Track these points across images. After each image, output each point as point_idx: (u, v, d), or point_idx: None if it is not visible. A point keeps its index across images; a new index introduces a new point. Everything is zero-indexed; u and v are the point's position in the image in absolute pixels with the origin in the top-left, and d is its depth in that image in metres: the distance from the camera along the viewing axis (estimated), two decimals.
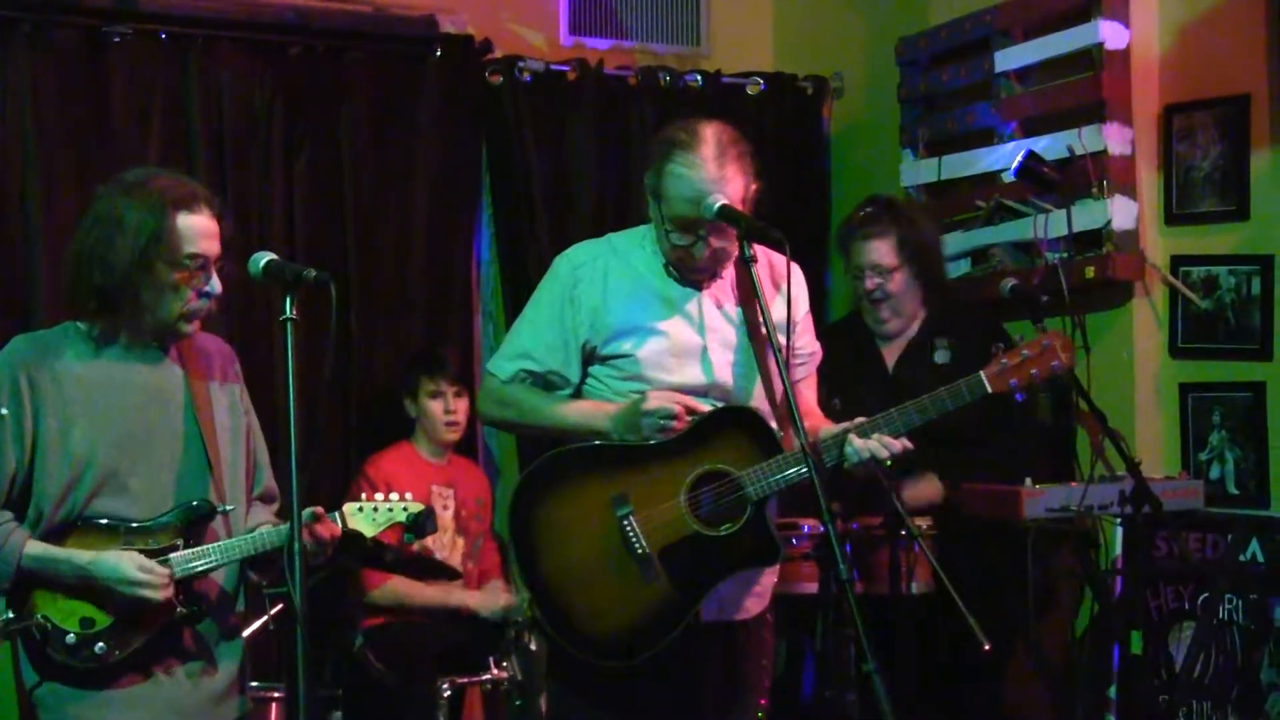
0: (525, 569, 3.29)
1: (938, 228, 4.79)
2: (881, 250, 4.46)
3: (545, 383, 3.34)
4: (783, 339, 3.29)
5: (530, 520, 3.27)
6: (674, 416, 3.18)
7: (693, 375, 3.29)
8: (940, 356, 4.48)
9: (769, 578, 3.43)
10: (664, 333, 3.29)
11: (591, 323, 3.29)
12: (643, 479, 3.23)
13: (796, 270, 3.33)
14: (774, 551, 3.27)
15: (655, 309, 3.30)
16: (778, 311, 3.33)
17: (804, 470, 3.13)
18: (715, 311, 3.33)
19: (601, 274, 3.32)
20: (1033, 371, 3.30)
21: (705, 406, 3.23)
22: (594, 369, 3.33)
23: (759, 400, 3.34)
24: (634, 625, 3.21)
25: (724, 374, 3.31)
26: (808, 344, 3.48)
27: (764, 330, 3.22)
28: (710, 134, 3.24)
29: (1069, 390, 4.72)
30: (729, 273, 3.36)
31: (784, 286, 3.36)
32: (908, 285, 4.47)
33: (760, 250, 3.35)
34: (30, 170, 4.84)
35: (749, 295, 3.31)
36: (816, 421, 3.38)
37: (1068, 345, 3.33)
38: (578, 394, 3.35)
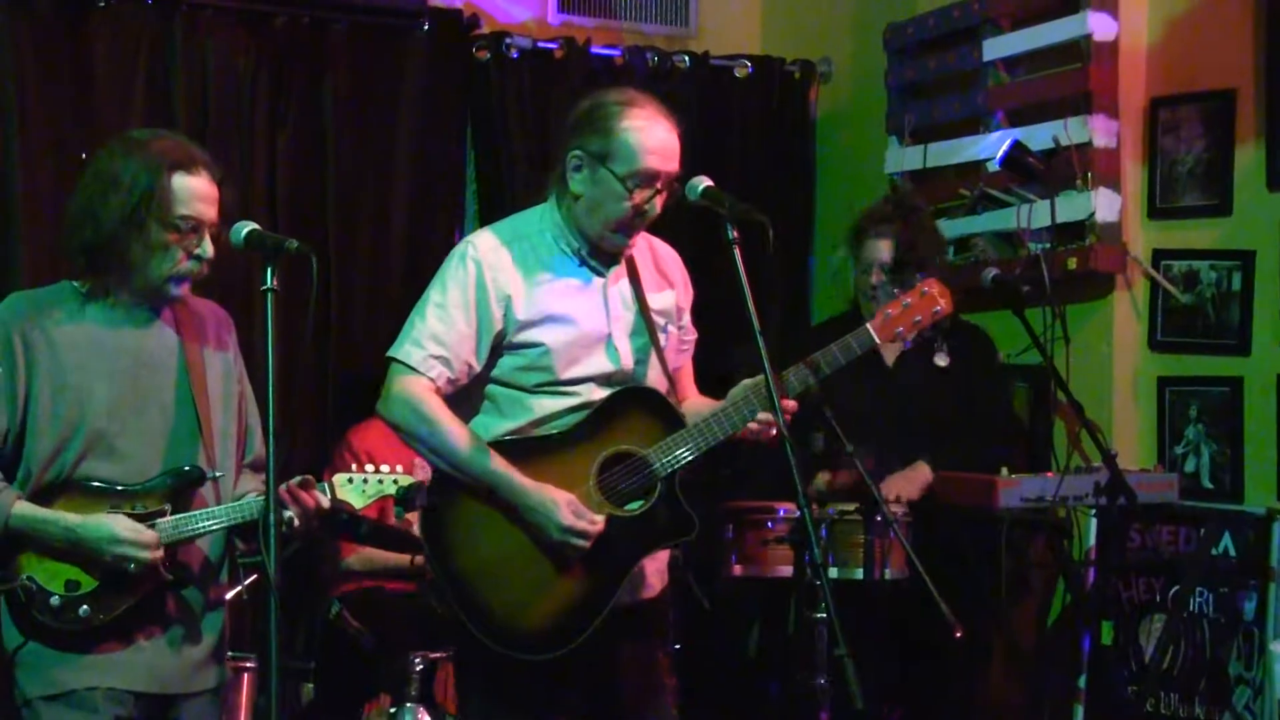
0: (441, 569, 3.26)
1: (943, 240, 4.83)
2: (884, 249, 4.49)
3: (452, 370, 3.26)
4: (673, 328, 3.42)
5: (442, 521, 3.26)
6: (585, 544, 3.18)
7: (599, 364, 3.30)
8: (940, 360, 4.50)
9: (665, 552, 3.44)
10: (574, 322, 3.28)
11: (504, 311, 3.26)
12: (551, 468, 3.23)
13: (676, 257, 3.49)
14: (689, 524, 3.28)
15: (565, 298, 3.29)
16: (662, 298, 3.40)
17: (709, 441, 3.23)
18: (618, 298, 3.35)
19: (510, 261, 3.29)
20: (916, 318, 3.42)
21: (599, 525, 3.20)
22: (501, 358, 3.29)
23: (656, 381, 3.37)
24: (558, 616, 3.22)
25: (627, 361, 3.33)
26: (690, 330, 3.52)
27: (654, 314, 3.35)
28: (643, 96, 3.30)
29: (1047, 380, 4.75)
30: (622, 259, 3.38)
31: (672, 274, 3.44)
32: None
33: (643, 236, 3.40)
34: (10, 137, 4.79)
35: (638, 278, 3.37)
36: (698, 400, 3.45)
37: (945, 292, 3.44)
38: (481, 380, 3.31)
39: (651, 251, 3.46)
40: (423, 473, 4.76)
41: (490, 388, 3.31)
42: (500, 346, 3.28)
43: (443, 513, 3.27)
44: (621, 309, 3.34)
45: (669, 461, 3.24)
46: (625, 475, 3.25)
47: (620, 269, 3.37)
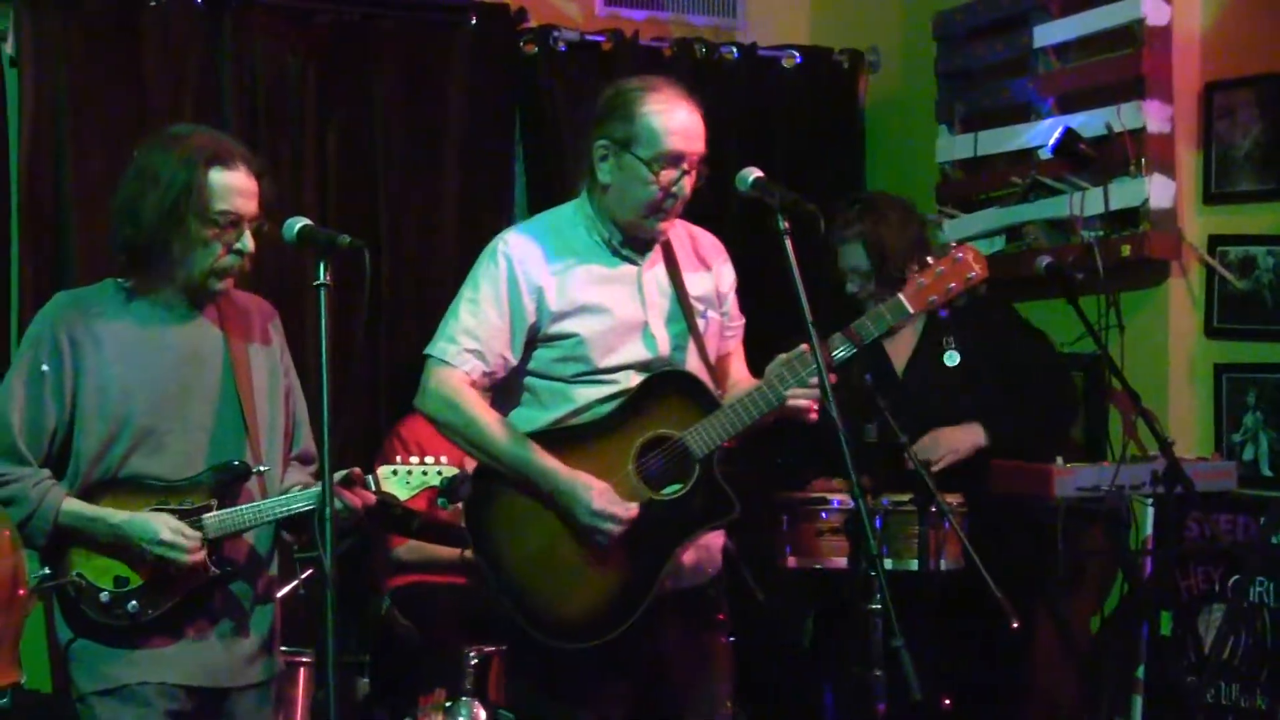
0: (489, 563, 3.28)
1: (915, 225, 4.53)
2: (855, 253, 4.39)
3: (487, 363, 3.28)
4: (715, 314, 3.41)
5: (485, 514, 3.28)
6: (616, 529, 3.18)
7: (636, 352, 3.31)
8: (950, 359, 4.44)
9: (715, 539, 3.43)
10: (608, 310, 3.29)
11: (537, 304, 3.28)
12: (588, 455, 3.24)
13: (718, 243, 3.49)
14: (729, 505, 3.27)
15: (598, 287, 3.30)
16: (701, 284, 3.39)
17: (745, 420, 3.21)
18: (654, 285, 3.35)
19: (541, 254, 3.31)
20: (950, 285, 3.34)
21: (633, 512, 3.20)
22: (536, 351, 3.31)
23: (695, 367, 3.36)
24: (603, 603, 3.23)
25: (664, 347, 3.33)
26: (736, 315, 3.52)
27: (693, 300, 3.35)
28: (663, 80, 3.32)
29: (1102, 369, 4.71)
30: (658, 246, 3.38)
31: (712, 259, 3.44)
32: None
33: (682, 224, 3.41)
34: (63, 136, 4.83)
35: (675, 265, 3.37)
36: (746, 383, 3.42)
37: (979, 256, 3.36)
38: (520, 373, 3.32)
39: (691, 239, 3.46)
40: (471, 464, 4.80)
41: (529, 380, 3.33)
42: (535, 339, 3.30)
43: (485, 506, 3.28)
44: (658, 296, 3.35)
45: (705, 443, 3.23)
46: (662, 459, 3.25)
47: (656, 256, 3.37)
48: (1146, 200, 4.72)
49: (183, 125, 3.35)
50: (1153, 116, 4.74)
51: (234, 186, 3.18)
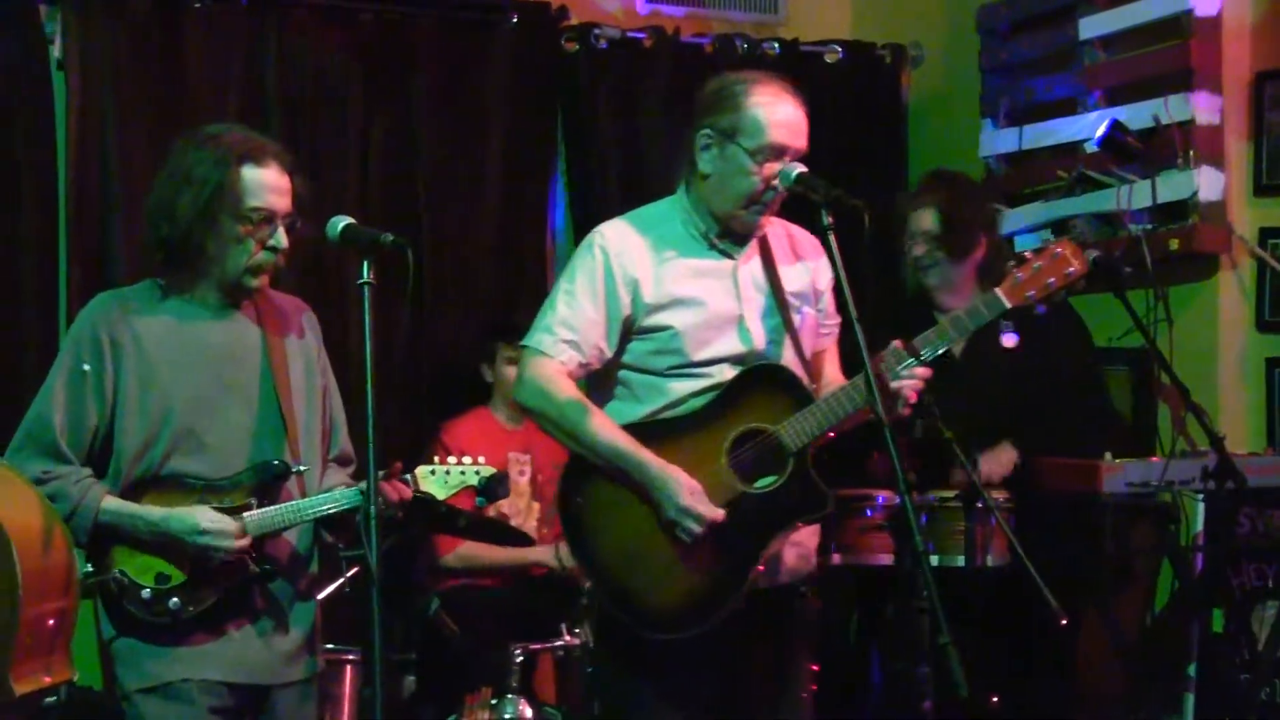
0: (580, 552, 3.30)
1: (990, 206, 4.59)
2: (928, 218, 4.38)
3: (583, 354, 3.29)
4: (811, 310, 3.39)
5: (579, 504, 3.29)
6: (698, 529, 3.17)
7: (730, 346, 3.30)
8: (1008, 341, 4.40)
9: (810, 538, 3.43)
10: (703, 303, 3.29)
11: (632, 296, 3.28)
12: (682, 448, 3.23)
13: (815, 241, 3.42)
14: (822, 500, 3.25)
15: (693, 281, 3.31)
16: (797, 280, 3.39)
17: (839, 415, 3.19)
18: (749, 280, 3.35)
19: (637, 247, 3.31)
20: (1049, 281, 3.29)
21: (717, 516, 3.20)
22: (631, 344, 3.32)
23: (790, 362, 3.35)
24: (694, 594, 3.22)
25: (759, 341, 3.32)
26: (831, 312, 3.50)
27: (789, 295, 3.34)
28: (769, 75, 3.33)
29: (1150, 363, 4.66)
30: (754, 242, 3.38)
31: (809, 256, 3.43)
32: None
33: (779, 221, 3.41)
34: (109, 138, 4.88)
35: (772, 261, 3.36)
36: (840, 382, 3.40)
37: (1078, 252, 3.31)
38: (615, 366, 3.33)
39: (788, 235, 3.45)
40: (514, 466, 4.81)
41: (624, 373, 3.34)
42: (630, 332, 3.31)
43: (578, 495, 3.29)
44: (753, 290, 3.34)
45: (799, 436, 3.22)
46: (756, 452, 3.24)
47: (752, 250, 3.37)
48: (1195, 193, 4.68)
49: (216, 125, 3.37)
50: (1201, 108, 4.71)
51: (266, 183, 3.19)
